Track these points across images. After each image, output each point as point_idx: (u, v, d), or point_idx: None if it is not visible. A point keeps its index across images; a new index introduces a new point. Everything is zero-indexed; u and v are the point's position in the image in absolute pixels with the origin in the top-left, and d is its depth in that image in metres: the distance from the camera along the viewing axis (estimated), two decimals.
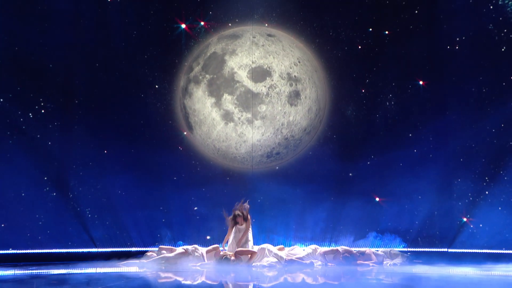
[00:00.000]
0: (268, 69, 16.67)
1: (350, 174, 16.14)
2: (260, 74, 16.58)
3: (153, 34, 15.52)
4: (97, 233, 14.35)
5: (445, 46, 15.22)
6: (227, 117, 16.08)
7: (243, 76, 16.37)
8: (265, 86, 16.45)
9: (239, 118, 16.14)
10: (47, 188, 13.86)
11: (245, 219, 13.08)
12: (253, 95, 16.31)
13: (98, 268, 11.90)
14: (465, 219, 14.47)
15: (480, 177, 14.40)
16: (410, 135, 15.71)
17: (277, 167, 17.00)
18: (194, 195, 15.60)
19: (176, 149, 15.78)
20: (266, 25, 17.02)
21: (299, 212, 16.53)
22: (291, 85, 16.88)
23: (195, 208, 15.53)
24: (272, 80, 16.60)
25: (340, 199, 15.90)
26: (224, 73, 16.34)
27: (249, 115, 16.21)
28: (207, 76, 16.37)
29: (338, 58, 17.12)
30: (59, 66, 14.37)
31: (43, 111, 14.09)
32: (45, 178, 13.93)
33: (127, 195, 14.86)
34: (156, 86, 15.92)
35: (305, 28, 17.02)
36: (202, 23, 16.46)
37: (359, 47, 16.51)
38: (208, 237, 15.36)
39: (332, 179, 16.39)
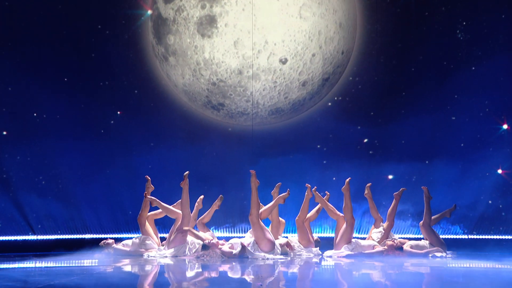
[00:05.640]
0: None
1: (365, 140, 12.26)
2: None
3: None
4: (36, 216, 11.20)
5: None
6: (154, 51, 12.54)
7: None
8: (172, 9, 11.98)
9: (157, 54, 12.50)
10: None
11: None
12: (162, 21, 12.18)
13: (38, 262, 9.02)
14: (500, 171, 11.69)
15: None
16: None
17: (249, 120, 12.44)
18: (170, 159, 11.92)
19: (145, 99, 12.04)
20: None
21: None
22: (203, 7, 11.68)
23: None
24: (181, 0, 11.87)
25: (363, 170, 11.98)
26: None
27: (163, 49, 12.35)
28: None
29: None
30: None
31: None
32: None
33: (77, 163, 11.52)
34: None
35: None
36: None
37: None
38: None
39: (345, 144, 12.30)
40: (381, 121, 12.00)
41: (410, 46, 12.08)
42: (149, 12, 11.75)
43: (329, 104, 12.22)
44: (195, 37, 11.60)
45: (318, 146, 12.27)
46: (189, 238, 9.41)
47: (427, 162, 11.99)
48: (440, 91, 11.99)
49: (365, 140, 12.10)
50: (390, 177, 12.02)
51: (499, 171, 11.78)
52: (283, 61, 11.57)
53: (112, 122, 11.79)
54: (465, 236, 11.81)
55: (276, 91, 11.90)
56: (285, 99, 12.04)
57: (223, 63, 11.63)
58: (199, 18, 11.52)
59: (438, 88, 12.04)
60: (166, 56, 11.97)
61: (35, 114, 11.26)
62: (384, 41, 12.07)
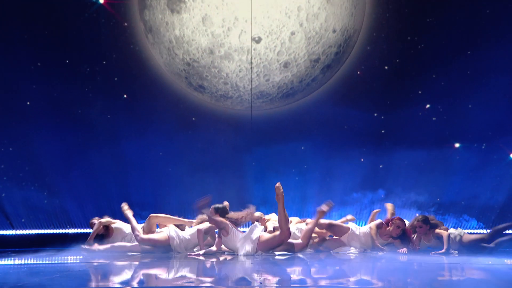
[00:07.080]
0: None
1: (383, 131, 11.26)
2: None
3: None
4: (15, 210, 10.53)
5: None
6: (139, 30, 12.07)
7: None
8: None
9: (142, 31, 12.00)
10: None
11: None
12: None
13: (17, 259, 8.20)
14: None
15: None
16: None
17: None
18: (160, 145, 11.18)
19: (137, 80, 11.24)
20: None
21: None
22: None
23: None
24: None
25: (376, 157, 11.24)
26: None
27: (143, 26, 11.80)
28: None
29: None
30: None
31: None
32: None
33: (59, 152, 10.75)
34: None
35: None
36: None
37: None
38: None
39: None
40: (394, 106, 11.02)
41: (424, 25, 10.88)
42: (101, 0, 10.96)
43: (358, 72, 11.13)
44: (166, 12, 10.83)
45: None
46: (180, 233, 8.67)
47: (442, 149, 11.04)
48: (458, 74, 10.89)
49: (427, 106, 11.03)
50: (457, 145, 11.06)
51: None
52: (257, 40, 10.49)
53: (95, 108, 11.05)
54: (484, 231, 10.59)
55: (254, 73, 10.87)
56: (266, 81, 10.98)
57: (193, 42, 10.76)
58: None
59: (455, 70, 10.88)
60: (146, 34, 11.27)
61: (28, 103, 10.68)
62: (394, 19, 10.90)
